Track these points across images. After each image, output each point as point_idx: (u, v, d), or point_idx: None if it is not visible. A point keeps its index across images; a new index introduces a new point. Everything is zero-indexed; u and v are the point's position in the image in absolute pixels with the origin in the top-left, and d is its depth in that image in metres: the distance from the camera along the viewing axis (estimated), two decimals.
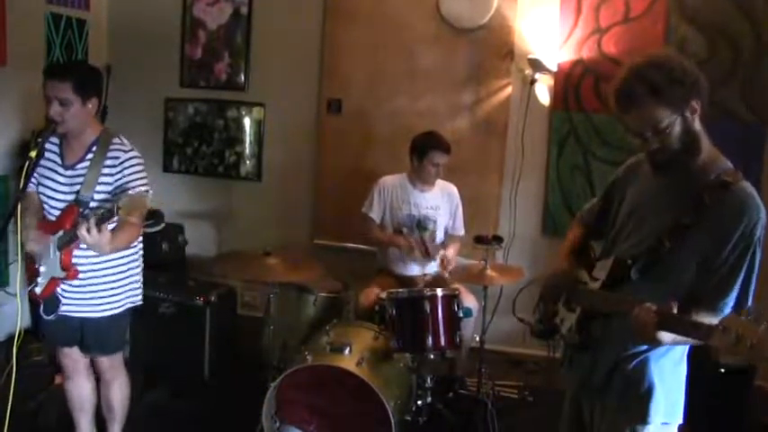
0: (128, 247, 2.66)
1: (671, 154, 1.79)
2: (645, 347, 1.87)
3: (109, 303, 2.70)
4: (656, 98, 1.71)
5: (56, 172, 2.65)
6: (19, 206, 2.42)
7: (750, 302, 1.76)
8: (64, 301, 2.66)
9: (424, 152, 3.77)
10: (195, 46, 4.89)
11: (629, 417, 1.90)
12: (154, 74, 4.98)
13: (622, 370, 1.90)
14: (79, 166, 2.62)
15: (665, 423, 1.89)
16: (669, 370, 1.89)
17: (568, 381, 2.15)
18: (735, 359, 1.45)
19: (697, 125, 1.78)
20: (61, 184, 2.64)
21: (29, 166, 2.43)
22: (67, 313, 2.69)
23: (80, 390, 2.95)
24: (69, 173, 2.63)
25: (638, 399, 1.88)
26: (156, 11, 4.93)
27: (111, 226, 2.34)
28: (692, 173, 1.80)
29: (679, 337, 1.66)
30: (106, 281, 2.69)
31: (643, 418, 1.87)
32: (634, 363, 1.89)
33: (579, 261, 2.13)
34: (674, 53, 1.85)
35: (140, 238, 2.78)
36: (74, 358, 2.86)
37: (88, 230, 2.28)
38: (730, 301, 1.74)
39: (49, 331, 2.82)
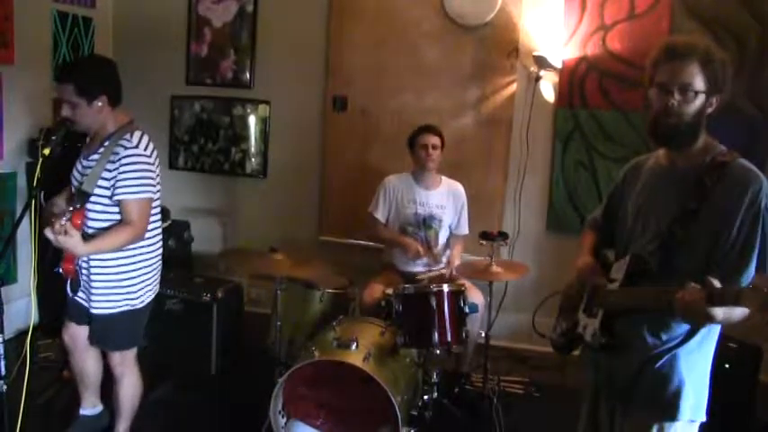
0: (115, 250, 2.63)
1: (678, 123, 1.82)
2: (674, 343, 1.87)
3: (104, 302, 2.71)
4: (703, 64, 1.79)
5: (78, 161, 2.71)
6: (33, 203, 2.42)
7: None
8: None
9: (414, 139, 3.88)
10: (201, 44, 4.91)
11: (657, 414, 1.90)
12: (160, 71, 5.01)
13: (650, 368, 1.90)
14: (91, 158, 2.64)
15: (692, 420, 1.90)
16: (698, 366, 1.90)
17: (587, 382, 2.16)
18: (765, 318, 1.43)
19: (705, 116, 1.85)
20: (78, 173, 2.68)
21: (42, 164, 2.42)
22: (77, 299, 2.76)
23: (80, 364, 2.98)
24: (84, 163, 2.67)
25: (669, 396, 1.87)
26: (162, 9, 4.96)
27: (106, 224, 2.34)
28: (690, 157, 1.86)
29: (728, 312, 1.60)
30: (101, 279, 2.69)
31: (672, 415, 1.87)
32: (663, 360, 1.88)
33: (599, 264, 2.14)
34: None
35: (150, 241, 2.77)
36: (72, 334, 2.89)
37: (52, 231, 2.31)
38: (749, 277, 1.75)
39: (68, 301, 2.86)
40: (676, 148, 1.89)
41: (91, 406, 3.09)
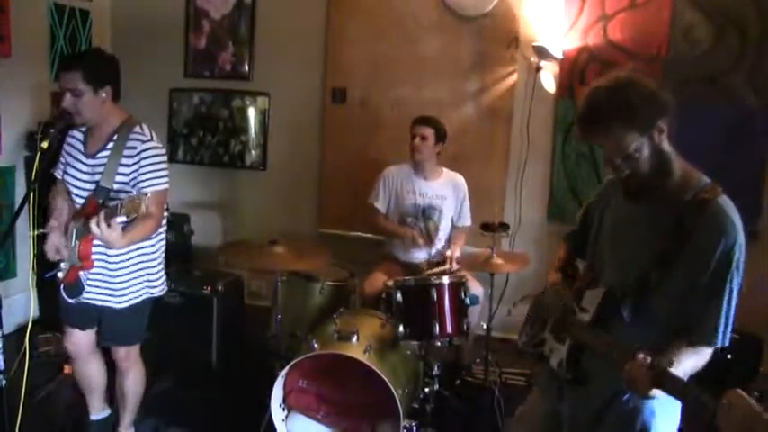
0: (145, 239, 2.65)
1: (643, 179, 1.75)
2: None
3: (127, 294, 2.71)
4: (621, 122, 1.67)
5: (79, 160, 2.67)
6: (31, 197, 2.41)
7: (730, 333, 1.71)
8: (86, 288, 2.68)
9: (410, 130, 3.87)
10: (199, 36, 4.89)
11: None
12: (158, 64, 4.99)
13: (618, 402, 1.83)
14: (100, 155, 2.62)
15: None
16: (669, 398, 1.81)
17: (546, 408, 2.09)
18: None
19: (666, 146, 1.74)
20: (83, 172, 2.65)
21: (40, 157, 2.41)
22: (87, 300, 2.70)
23: (86, 372, 2.96)
24: (91, 162, 2.63)
25: (638, 430, 1.82)
26: (160, 1, 4.94)
27: (120, 219, 2.33)
28: (668, 196, 1.75)
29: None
30: (125, 271, 2.68)
31: None
32: (630, 395, 1.80)
33: (568, 282, 2.09)
34: (637, 75, 1.77)
35: (163, 229, 2.78)
36: (77, 343, 2.85)
37: (98, 224, 2.29)
38: (714, 333, 1.69)
39: (66, 310, 2.80)
40: (657, 193, 1.77)
41: (100, 410, 3.08)
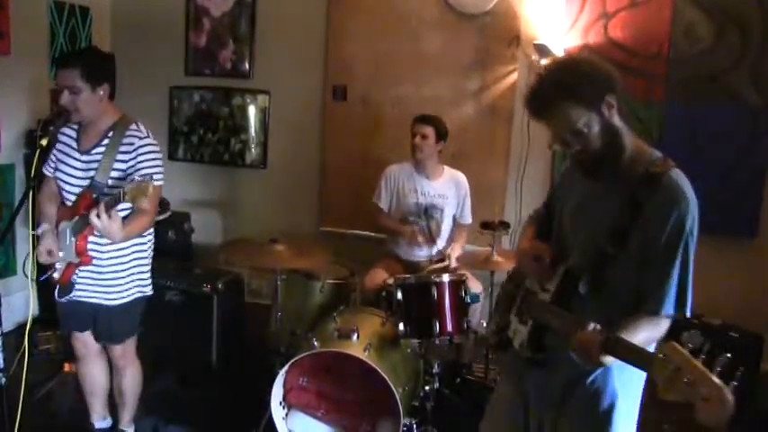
0: (141, 234, 2.66)
1: (595, 155, 1.76)
2: None
3: (119, 292, 2.71)
4: (568, 99, 1.70)
5: (72, 157, 2.66)
6: (30, 195, 2.40)
7: (689, 303, 1.72)
8: (78, 286, 2.68)
9: (411, 129, 3.85)
10: (199, 34, 4.88)
11: (589, 429, 1.85)
12: (158, 62, 4.99)
13: (582, 383, 1.84)
14: (95, 151, 2.61)
15: None
16: (632, 381, 1.83)
17: (513, 390, 2.08)
18: (671, 396, 1.38)
19: (616, 121, 1.76)
20: (77, 168, 2.64)
21: (40, 154, 2.41)
22: (80, 299, 2.70)
23: (91, 374, 2.96)
24: (85, 158, 2.63)
25: (601, 412, 1.83)
26: None
27: (123, 213, 2.32)
28: (621, 171, 1.77)
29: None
30: (116, 269, 2.68)
31: (605, 430, 1.83)
32: (596, 374, 1.82)
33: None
34: (584, 55, 1.82)
35: (152, 228, 2.78)
36: (84, 342, 2.87)
37: (98, 216, 2.29)
38: (669, 302, 1.70)
39: (63, 315, 2.80)
40: (611, 170, 1.79)
41: (102, 418, 3.08)
